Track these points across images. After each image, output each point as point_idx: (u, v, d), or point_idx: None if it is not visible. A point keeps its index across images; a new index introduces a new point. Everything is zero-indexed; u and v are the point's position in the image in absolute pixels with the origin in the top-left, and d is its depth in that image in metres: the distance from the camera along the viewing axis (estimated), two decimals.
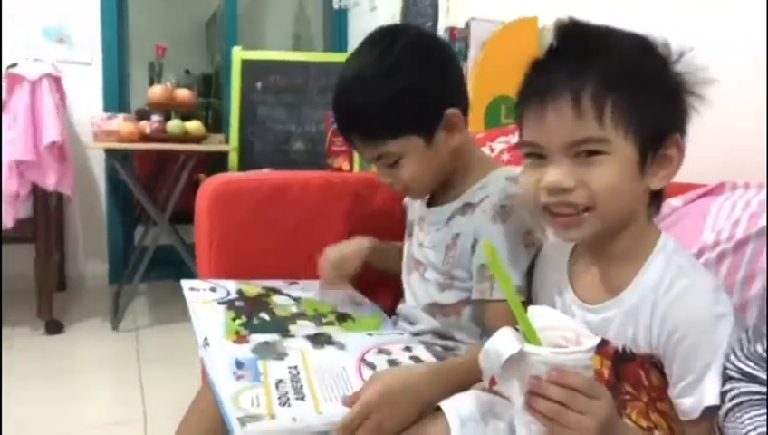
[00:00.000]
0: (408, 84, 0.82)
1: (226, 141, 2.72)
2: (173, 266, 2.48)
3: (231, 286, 1.01)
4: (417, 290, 0.95)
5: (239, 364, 0.73)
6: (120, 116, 2.41)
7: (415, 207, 1.01)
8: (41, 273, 2.30)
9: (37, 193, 2.26)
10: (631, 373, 0.65)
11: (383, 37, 0.86)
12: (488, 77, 1.85)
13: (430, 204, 0.96)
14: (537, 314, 0.64)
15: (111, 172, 2.99)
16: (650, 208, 0.69)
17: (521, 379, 0.58)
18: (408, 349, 0.85)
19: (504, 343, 0.59)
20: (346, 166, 1.22)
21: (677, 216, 1.00)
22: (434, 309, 0.91)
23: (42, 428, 1.63)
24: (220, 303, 0.93)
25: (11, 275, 2.59)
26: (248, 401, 0.66)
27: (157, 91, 2.45)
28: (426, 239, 0.94)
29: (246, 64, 2.91)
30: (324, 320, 0.93)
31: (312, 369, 0.75)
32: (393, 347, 0.84)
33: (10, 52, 2.65)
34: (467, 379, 0.74)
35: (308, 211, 1.12)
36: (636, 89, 0.63)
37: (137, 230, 3.34)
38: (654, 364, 0.64)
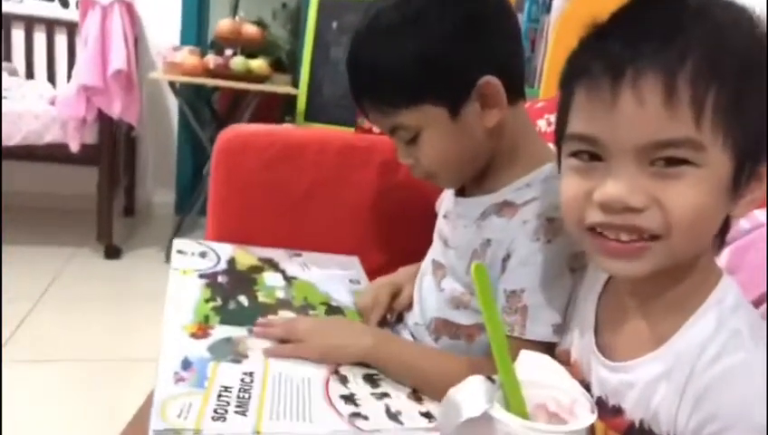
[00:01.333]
0: (427, 40, 0.65)
1: (293, 83, 2.62)
2: None
3: (225, 252, 0.92)
4: (427, 297, 0.79)
5: (186, 364, 0.64)
6: (186, 49, 2.37)
7: (444, 202, 0.85)
8: (101, 198, 2.36)
9: (103, 119, 2.28)
10: None
11: None
12: (575, 34, 1.61)
13: (460, 194, 0.79)
14: (530, 364, 0.50)
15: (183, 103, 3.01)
16: (715, 242, 0.51)
17: None
18: None
19: (468, 398, 0.46)
20: (377, 128, 1.07)
21: (759, 234, 0.79)
22: (441, 326, 0.76)
23: (72, 351, 1.68)
24: (202, 275, 0.85)
25: (75, 195, 2.70)
26: (176, 411, 0.57)
27: (225, 25, 2.38)
28: (450, 235, 0.78)
29: (323, 2, 2.78)
30: (311, 312, 0.82)
31: (270, 376, 0.65)
32: None
33: None
34: (411, 362, 0.69)
35: (324, 176, 1.00)
36: (745, 77, 0.44)
37: (208, 163, 3.38)
38: None
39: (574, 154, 0.49)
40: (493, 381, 0.47)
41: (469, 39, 0.67)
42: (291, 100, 2.74)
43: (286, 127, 1.05)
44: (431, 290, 0.79)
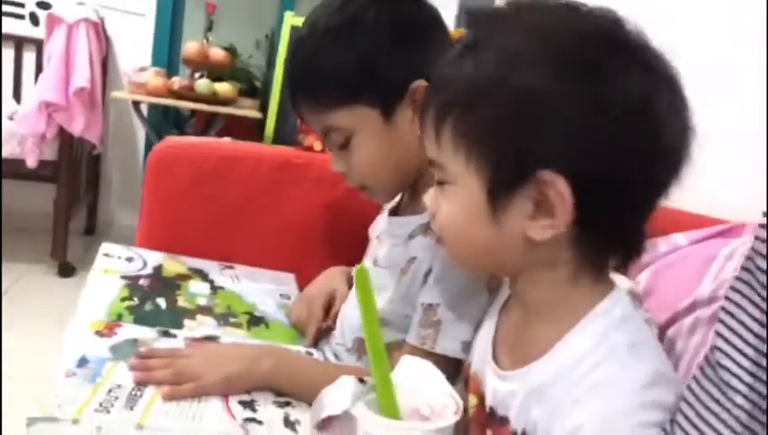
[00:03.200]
0: (363, 41, 0.68)
1: (260, 108, 2.64)
2: None
3: (152, 259, 0.92)
4: (350, 315, 0.79)
5: (82, 362, 0.63)
6: (152, 69, 2.38)
7: (378, 224, 0.86)
8: (58, 215, 2.32)
9: (64, 136, 2.27)
10: None
11: None
12: None
13: (394, 213, 0.81)
14: (410, 369, 0.50)
15: (150, 124, 3.00)
16: (595, 261, 0.50)
17: None
18: None
19: (334, 396, 0.46)
20: (318, 146, 1.09)
21: (677, 257, 0.81)
22: (361, 345, 0.76)
23: (19, 368, 1.63)
24: (123, 277, 0.84)
25: (32, 212, 2.66)
26: (57, 402, 0.56)
27: (192, 48, 2.40)
28: (381, 254, 0.79)
29: (295, 30, 2.82)
30: (231, 320, 0.81)
31: None
32: None
33: None
34: (310, 380, 0.65)
35: (258, 191, 1.01)
36: (479, 106, 0.48)
37: None
38: None
39: None
40: (364, 382, 0.47)
41: (403, 43, 0.69)
42: (261, 125, 2.75)
43: (224, 141, 1.06)
44: (354, 308, 0.79)
